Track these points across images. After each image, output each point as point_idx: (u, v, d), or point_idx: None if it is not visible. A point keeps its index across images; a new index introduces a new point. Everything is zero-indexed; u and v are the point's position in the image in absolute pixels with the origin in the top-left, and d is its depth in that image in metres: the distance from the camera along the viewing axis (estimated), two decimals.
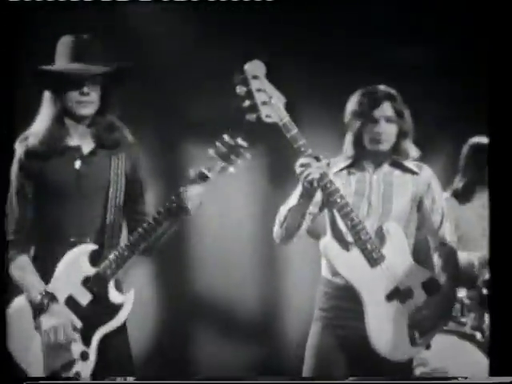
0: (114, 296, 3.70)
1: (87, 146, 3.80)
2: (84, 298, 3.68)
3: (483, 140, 5.24)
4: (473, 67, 5.55)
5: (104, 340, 3.73)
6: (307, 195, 3.82)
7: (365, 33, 5.60)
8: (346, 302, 3.87)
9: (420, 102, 5.50)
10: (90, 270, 3.70)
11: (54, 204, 3.79)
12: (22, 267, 3.73)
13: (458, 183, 5.31)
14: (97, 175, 3.81)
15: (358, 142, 3.93)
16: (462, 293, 4.93)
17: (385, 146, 3.89)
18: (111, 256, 3.71)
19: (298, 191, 3.89)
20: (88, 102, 3.74)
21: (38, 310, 3.68)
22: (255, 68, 3.76)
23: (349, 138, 3.96)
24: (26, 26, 4.48)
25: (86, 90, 3.70)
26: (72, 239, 3.72)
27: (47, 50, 3.82)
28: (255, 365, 5.85)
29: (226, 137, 3.67)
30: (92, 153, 3.80)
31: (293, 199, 3.92)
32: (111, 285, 3.72)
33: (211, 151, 3.68)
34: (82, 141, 3.81)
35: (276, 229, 3.95)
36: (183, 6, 5.10)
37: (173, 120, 5.80)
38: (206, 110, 5.27)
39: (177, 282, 5.89)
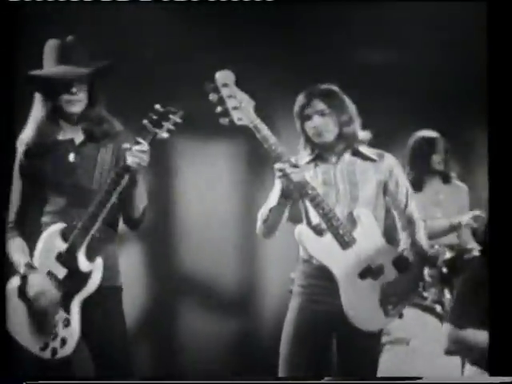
0: (83, 265, 3.83)
1: (78, 138, 3.94)
2: (60, 271, 3.84)
3: (428, 133, 5.51)
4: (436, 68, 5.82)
5: (88, 306, 3.84)
6: (286, 197, 3.97)
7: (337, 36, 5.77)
8: (322, 281, 3.98)
9: (383, 99, 5.72)
10: (62, 246, 3.84)
11: (51, 195, 3.91)
12: (15, 247, 3.87)
13: (408, 175, 5.32)
14: (87, 166, 3.93)
15: (307, 140, 4.08)
16: (424, 271, 4.87)
17: (327, 137, 4.03)
18: (76, 229, 3.83)
19: (277, 192, 4.01)
20: (77, 100, 3.87)
21: (23, 279, 3.81)
22: (225, 77, 3.90)
23: (301, 138, 4.12)
24: (22, 26, 4.36)
25: (74, 90, 3.83)
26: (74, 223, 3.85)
27: (41, 50, 3.95)
28: (234, 337, 6.05)
29: (157, 106, 3.83)
30: (83, 143, 3.93)
31: (273, 200, 4.03)
32: (81, 255, 3.83)
33: (145, 121, 3.82)
34: (73, 134, 3.94)
35: (259, 225, 4.08)
36: (160, 6, 5.28)
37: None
38: (190, 102, 5.34)
39: (164, 263, 6.08)
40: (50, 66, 3.89)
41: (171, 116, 3.80)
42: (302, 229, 4.01)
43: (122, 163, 3.77)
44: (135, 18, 5.62)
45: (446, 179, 5.55)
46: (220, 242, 5.98)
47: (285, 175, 3.87)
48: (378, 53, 5.98)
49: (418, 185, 5.38)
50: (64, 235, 3.85)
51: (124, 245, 5.68)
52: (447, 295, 5.14)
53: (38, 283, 3.81)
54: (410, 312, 4.69)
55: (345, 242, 3.92)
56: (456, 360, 4.36)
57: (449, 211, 5.49)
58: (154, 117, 3.78)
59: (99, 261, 3.83)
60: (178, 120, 3.81)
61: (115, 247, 4.02)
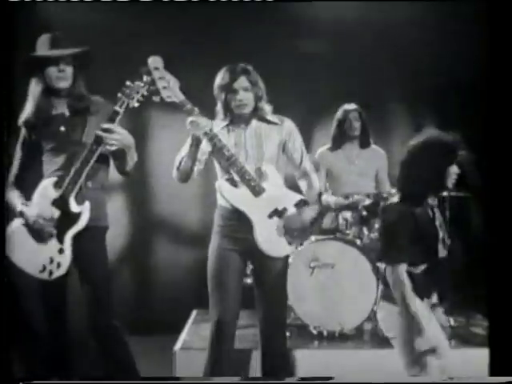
0: (74, 207, 4.22)
1: (68, 113, 4.30)
2: (55, 213, 4.23)
3: (348, 105, 5.95)
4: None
5: (77, 240, 4.22)
6: (195, 145, 4.21)
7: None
8: (235, 221, 4.32)
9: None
10: (55, 194, 4.23)
11: (49, 158, 4.31)
12: (13, 196, 4.33)
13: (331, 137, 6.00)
14: (76, 134, 4.29)
15: (227, 108, 4.30)
16: (347, 214, 5.71)
17: (247, 109, 4.29)
18: (67, 180, 4.20)
19: (188, 143, 4.23)
20: (64, 77, 4.21)
21: (21, 214, 4.24)
22: (156, 61, 4.15)
23: (219, 106, 4.33)
24: (22, 26, 4.59)
25: (61, 66, 4.20)
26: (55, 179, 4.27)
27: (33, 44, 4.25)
28: (196, 263, 6.47)
29: (127, 82, 4.17)
30: (73, 118, 4.28)
31: (184, 149, 4.27)
32: (72, 200, 4.21)
33: (119, 94, 4.13)
34: (63, 109, 4.30)
35: (174, 171, 4.32)
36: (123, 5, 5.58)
37: None
38: None
39: (141, 207, 6.74)
40: (42, 50, 4.27)
41: (139, 90, 4.15)
42: (221, 182, 4.32)
43: (94, 141, 4.15)
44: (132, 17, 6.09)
45: (363, 144, 6.00)
46: (185, 190, 6.23)
47: (194, 125, 4.14)
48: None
49: (336, 145, 5.98)
50: (56, 186, 4.25)
51: (111, 193, 6.13)
52: (365, 232, 5.66)
53: (33, 212, 4.22)
54: (335, 244, 5.52)
55: (256, 191, 4.26)
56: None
57: (365, 172, 6.00)
58: (127, 91, 4.16)
59: (87, 204, 4.24)
60: (145, 92, 4.16)
61: (104, 195, 4.40)
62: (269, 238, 4.29)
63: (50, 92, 4.27)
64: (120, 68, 5.35)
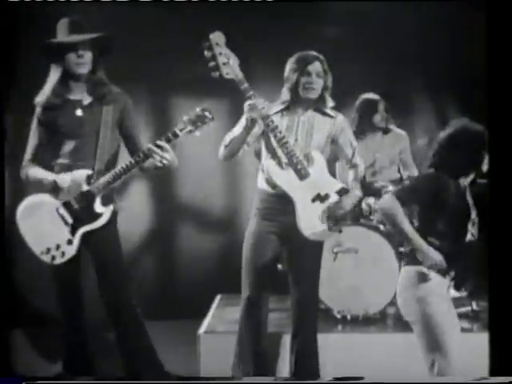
0: (97, 207, 4.29)
1: (86, 100, 4.33)
2: (76, 205, 4.30)
3: (370, 96, 5.98)
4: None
5: (91, 236, 4.27)
6: (249, 128, 4.29)
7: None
8: (276, 204, 4.42)
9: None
10: (85, 187, 4.28)
11: (64, 140, 4.32)
12: (37, 171, 4.30)
13: (354, 127, 5.78)
14: (92, 121, 4.30)
15: (293, 91, 4.39)
16: (371, 199, 5.73)
17: (313, 94, 4.40)
18: (101, 180, 4.25)
19: (242, 124, 4.30)
20: (83, 63, 4.23)
21: (54, 187, 4.23)
22: (217, 37, 4.26)
23: (286, 88, 4.42)
24: (22, 26, 4.66)
25: (80, 52, 4.21)
26: (76, 164, 4.30)
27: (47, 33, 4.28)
28: (221, 248, 6.69)
29: (197, 109, 4.20)
30: (90, 104, 4.30)
31: (237, 130, 4.33)
32: (98, 199, 4.27)
33: (185, 117, 4.17)
34: (82, 95, 4.33)
35: (221, 149, 4.41)
36: None
37: (160, 79, 6.43)
38: (187, 72, 5.60)
39: (166, 192, 6.75)
40: (62, 36, 4.28)
41: (206, 120, 4.18)
42: (268, 162, 4.43)
43: (143, 154, 4.19)
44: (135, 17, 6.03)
45: (386, 131, 6.02)
46: (210, 176, 6.62)
47: (253, 108, 4.21)
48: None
49: (360, 134, 5.86)
50: (88, 180, 4.29)
51: (136, 179, 6.23)
52: None
53: (68, 179, 4.22)
54: (358, 230, 5.58)
55: (302, 175, 4.37)
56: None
57: (391, 158, 6.01)
58: (193, 117, 4.17)
59: (111, 207, 4.31)
60: (210, 124, 4.19)
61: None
62: (309, 221, 4.38)
63: (69, 77, 4.29)
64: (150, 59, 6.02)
